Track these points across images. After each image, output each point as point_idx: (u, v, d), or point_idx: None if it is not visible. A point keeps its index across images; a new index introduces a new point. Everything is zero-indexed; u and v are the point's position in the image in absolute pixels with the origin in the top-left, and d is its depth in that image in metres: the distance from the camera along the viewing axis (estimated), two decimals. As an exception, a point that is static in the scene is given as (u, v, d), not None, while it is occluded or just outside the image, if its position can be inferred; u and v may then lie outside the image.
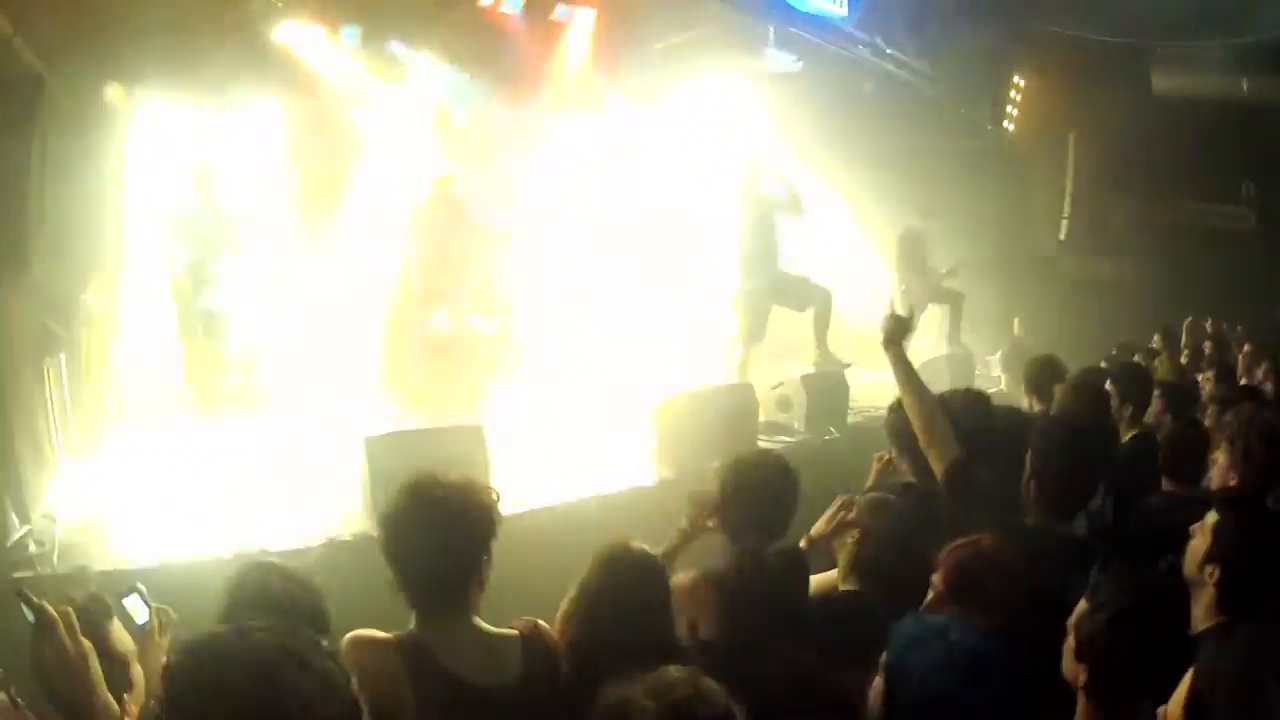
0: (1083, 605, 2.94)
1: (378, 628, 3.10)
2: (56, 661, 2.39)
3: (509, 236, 13.39)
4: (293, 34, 11.34)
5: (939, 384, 6.29)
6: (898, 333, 4.59)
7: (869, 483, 5.07)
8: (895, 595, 3.57)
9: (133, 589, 3.09)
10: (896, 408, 4.83)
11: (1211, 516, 3.59)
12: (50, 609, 2.40)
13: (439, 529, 3.00)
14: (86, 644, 2.43)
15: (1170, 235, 13.26)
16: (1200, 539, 3.56)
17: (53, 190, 8.17)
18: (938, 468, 4.21)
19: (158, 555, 6.35)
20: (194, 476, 8.21)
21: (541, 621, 3.36)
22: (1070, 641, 2.95)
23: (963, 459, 4.17)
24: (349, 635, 3.04)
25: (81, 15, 8.48)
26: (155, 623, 2.97)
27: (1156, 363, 9.16)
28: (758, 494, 4.23)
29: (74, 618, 2.42)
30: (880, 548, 4.08)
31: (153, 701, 2.70)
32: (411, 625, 3.09)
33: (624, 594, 3.36)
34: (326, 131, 12.41)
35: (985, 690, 2.46)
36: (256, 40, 10.88)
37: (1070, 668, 2.93)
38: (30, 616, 2.43)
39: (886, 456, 5.17)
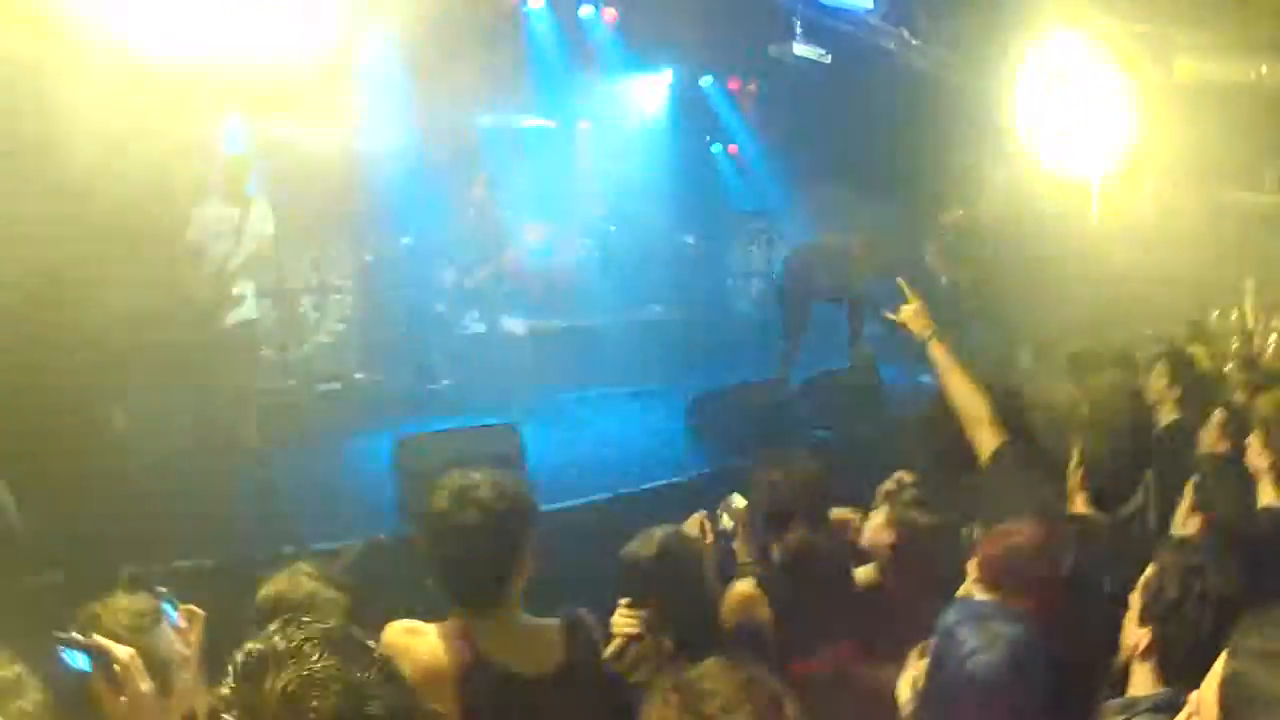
0: (1150, 569, 2.96)
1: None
2: (130, 711, 2.33)
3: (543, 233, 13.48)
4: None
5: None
6: (927, 323, 4.56)
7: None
8: (934, 589, 3.58)
9: (158, 593, 3.07)
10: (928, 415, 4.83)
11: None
12: (117, 651, 2.35)
13: (478, 528, 2.97)
14: (154, 683, 2.39)
15: (1196, 222, 13.12)
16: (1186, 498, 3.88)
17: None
18: (984, 454, 4.18)
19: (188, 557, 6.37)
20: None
21: (583, 610, 3.36)
22: (1135, 607, 2.95)
23: (1008, 445, 4.15)
24: (390, 625, 3.04)
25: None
26: (184, 624, 2.95)
27: (1190, 350, 9.09)
28: (793, 496, 4.20)
29: (139, 659, 2.39)
30: (920, 544, 4.08)
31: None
32: (452, 617, 3.08)
33: (680, 581, 3.34)
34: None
35: (1026, 672, 2.52)
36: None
37: (1132, 636, 2.93)
38: (81, 663, 2.35)
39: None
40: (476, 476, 3.07)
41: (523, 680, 3.01)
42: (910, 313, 4.67)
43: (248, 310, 8.64)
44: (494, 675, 2.97)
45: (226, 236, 8.36)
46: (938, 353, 4.47)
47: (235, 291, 8.40)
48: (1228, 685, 2.15)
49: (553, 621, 3.22)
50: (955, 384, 4.36)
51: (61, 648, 2.36)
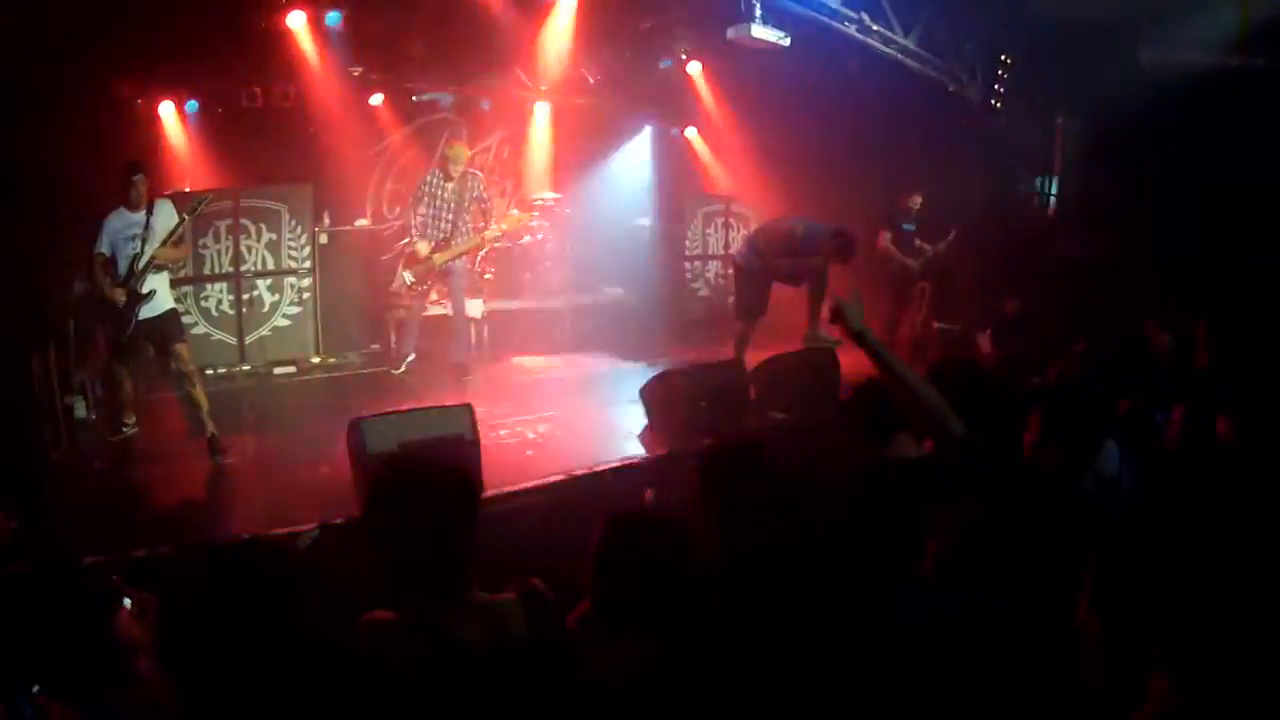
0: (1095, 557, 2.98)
1: (372, 609, 3.10)
2: None
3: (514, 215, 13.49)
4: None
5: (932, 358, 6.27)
6: (856, 319, 4.47)
7: None
8: None
9: (113, 582, 3.06)
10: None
11: None
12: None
13: (426, 511, 3.02)
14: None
15: (1159, 211, 13.22)
16: None
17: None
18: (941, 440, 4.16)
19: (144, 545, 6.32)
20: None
21: (535, 580, 3.37)
22: (1086, 591, 2.98)
23: (965, 436, 4.12)
24: (362, 619, 3.04)
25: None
26: (137, 610, 2.94)
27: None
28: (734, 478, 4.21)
29: None
30: None
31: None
32: (414, 604, 3.08)
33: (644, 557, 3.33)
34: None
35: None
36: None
37: (1086, 618, 2.96)
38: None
39: None
40: (416, 461, 3.10)
41: (492, 656, 3.02)
42: (838, 311, 4.57)
43: (163, 301, 8.62)
44: (463, 656, 2.98)
45: (136, 240, 8.40)
46: (870, 350, 4.38)
47: (146, 288, 8.41)
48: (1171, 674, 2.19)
49: (508, 596, 3.24)
50: (896, 378, 4.27)
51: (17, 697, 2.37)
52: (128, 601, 2.91)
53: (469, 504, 3.13)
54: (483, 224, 11.36)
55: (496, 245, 13.69)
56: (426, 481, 3.05)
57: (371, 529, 3.11)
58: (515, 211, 12.60)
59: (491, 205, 11.70)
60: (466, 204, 11.15)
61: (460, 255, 11.20)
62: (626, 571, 3.21)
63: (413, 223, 11.33)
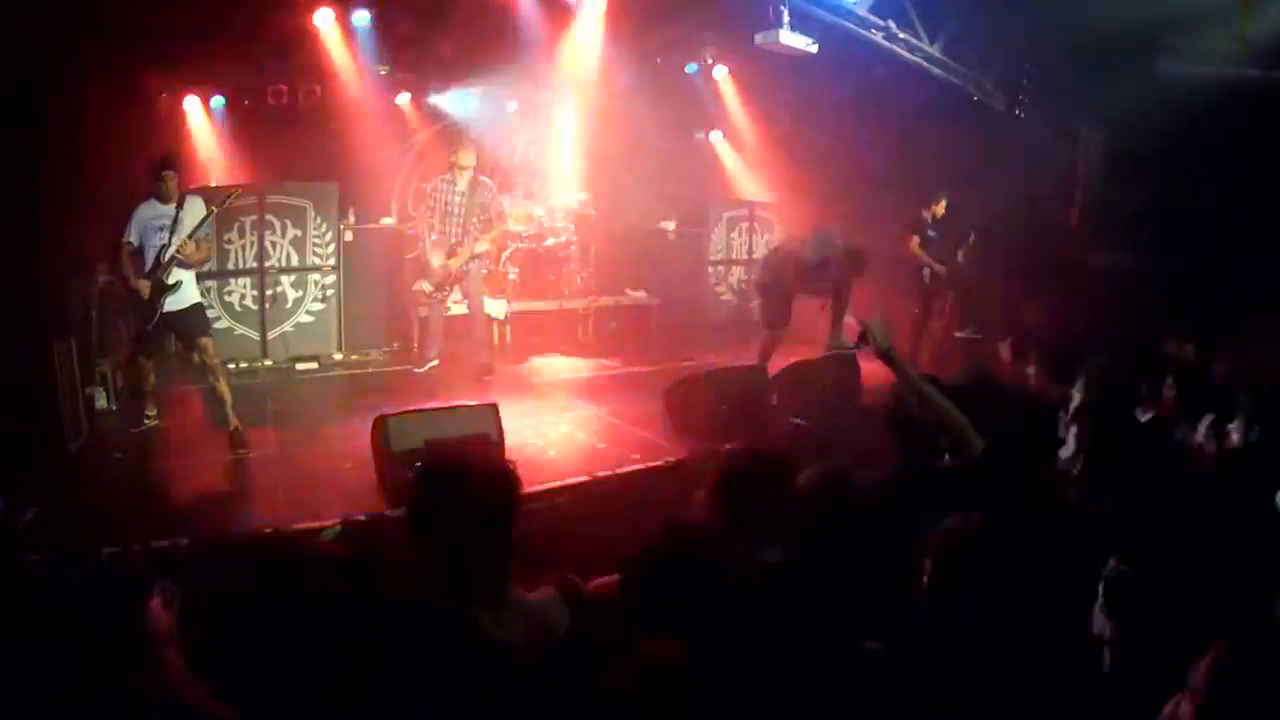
0: (1111, 563, 2.98)
1: (395, 605, 3.08)
2: None
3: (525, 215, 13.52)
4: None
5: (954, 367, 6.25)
6: (883, 339, 4.52)
7: None
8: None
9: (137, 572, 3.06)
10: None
11: None
12: None
13: (470, 510, 3.00)
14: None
15: (1181, 224, 13.14)
16: None
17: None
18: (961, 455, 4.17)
19: (164, 537, 6.33)
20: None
21: (572, 575, 3.35)
22: (1100, 599, 2.97)
23: (984, 453, 4.12)
24: (400, 617, 3.02)
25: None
26: (163, 602, 2.94)
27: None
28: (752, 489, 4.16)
29: None
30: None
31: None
32: (453, 601, 3.06)
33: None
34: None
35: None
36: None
37: (1100, 625, 2.95)
38: None
39: None
40: (458, 458, 3.08)
41: (533, 653, 3.00)
42: (868, 332, 4.62)
43: (189, 294, 8.69)
44: (505, 653, 2.92)
45: (164, 231, 8.48)
46: (895, 369, 4.44)
47: (171, 279, 8.48)
48: (1216, 670, 2.18)
49: (548, 592, 3.23)
50: (918, 398, 4.31)
51: None
52: (154, 593, 2.92)
53: (510, 501, 3.12)
54: (482, 231, 11.33)
55: (521, 246, 13.71)
56: (470, 477, 3.02)
57: (413, 524, 3.09)
58: (496, 229, 12.46)
59: (494, 214, 11.69)
60: (475, 209, 11.15)
61: (471, 259, 11.18)
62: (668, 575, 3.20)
63: (425, 231, 11.32)
